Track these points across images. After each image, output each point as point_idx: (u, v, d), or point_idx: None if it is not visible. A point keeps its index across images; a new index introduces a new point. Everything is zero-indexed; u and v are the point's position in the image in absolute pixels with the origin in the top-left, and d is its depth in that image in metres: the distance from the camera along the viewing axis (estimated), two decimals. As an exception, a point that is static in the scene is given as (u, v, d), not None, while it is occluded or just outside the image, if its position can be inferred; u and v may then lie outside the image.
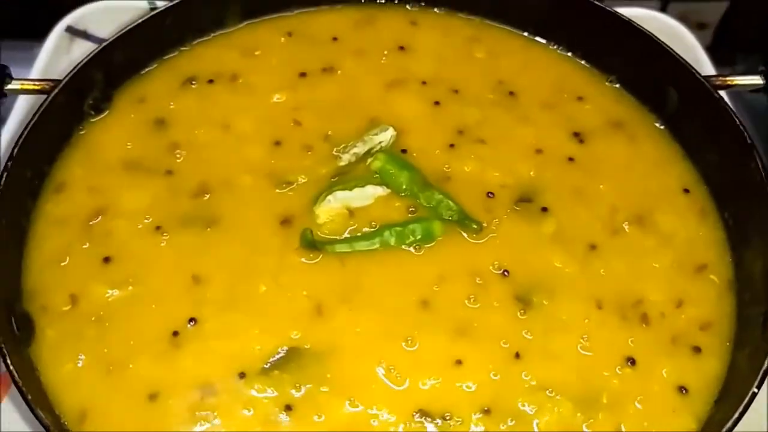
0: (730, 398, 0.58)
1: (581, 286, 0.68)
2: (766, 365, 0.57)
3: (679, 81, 0.77)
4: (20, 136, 0.69)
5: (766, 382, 0.62)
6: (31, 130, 0.70)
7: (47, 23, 1.15)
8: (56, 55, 0.95)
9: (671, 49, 0.77)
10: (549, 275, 0.69)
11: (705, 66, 0.92)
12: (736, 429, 0.60)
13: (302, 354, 0.63)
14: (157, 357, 0.63)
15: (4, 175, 0.67)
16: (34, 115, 0.71)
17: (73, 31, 1.00)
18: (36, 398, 0.56)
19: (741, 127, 0.70)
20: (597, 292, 0.68)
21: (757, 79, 0.73)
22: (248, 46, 0.85)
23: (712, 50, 1.28)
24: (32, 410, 0.55)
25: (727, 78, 0.75)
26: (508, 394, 0.62)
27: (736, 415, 0.54)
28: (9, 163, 0.67)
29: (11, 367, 0.56)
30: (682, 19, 1.26)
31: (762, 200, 0.66)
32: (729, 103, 0.80)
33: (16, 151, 0.68)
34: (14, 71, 0.77)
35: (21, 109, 0.85)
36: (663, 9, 1.22)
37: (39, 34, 1.04)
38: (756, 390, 0.56)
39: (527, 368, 0.63)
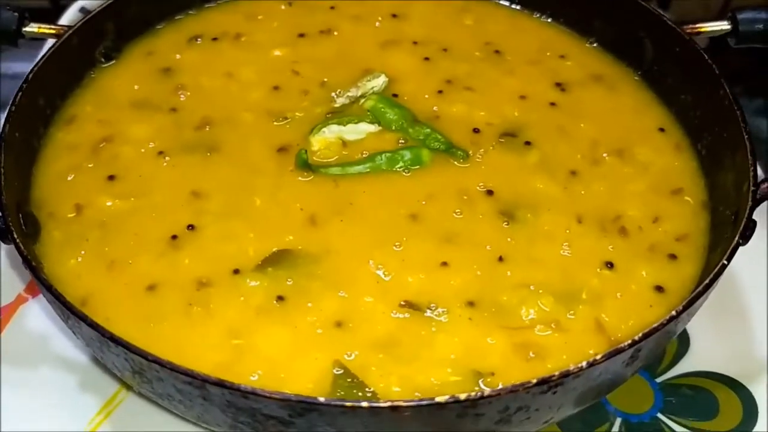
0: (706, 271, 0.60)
1: (563, 203, 0.71)
2: (735, 241, 0.59)
3: (654, 32, 0.82)
4: (35, 65, 0.74)
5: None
6: (45, 62, 0.75)
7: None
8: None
9: (646, 3, 0.83)
10: (532, 195, 0.72)
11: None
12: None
13: (295, 255, 0.66)
14: (156, 256, 0.66)
15: (19, 94, 0.71)
16: (49, 50, 0.76)
17: (86, 12, 1.06)
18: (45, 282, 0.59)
19: (709, 62, 0.75)
20: (578, 208, 0.71)
21: (724, 24, 0.78)
22: (251, 11, 0.91)
23: None
24: (35, 274, 0.57)
25: (697, 25, 0.80)
26: (491, 289, 0.64)
27: (707, 281, 0.57)
28: (24, 85, 0.72)
29: (25, 253, 0.59)
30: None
31: (731, 119, 0.70)
32: None
33: (30, 76, 0.73)
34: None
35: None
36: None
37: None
38: (726, 262, 0.58)
39: (510, 269, 0.66)
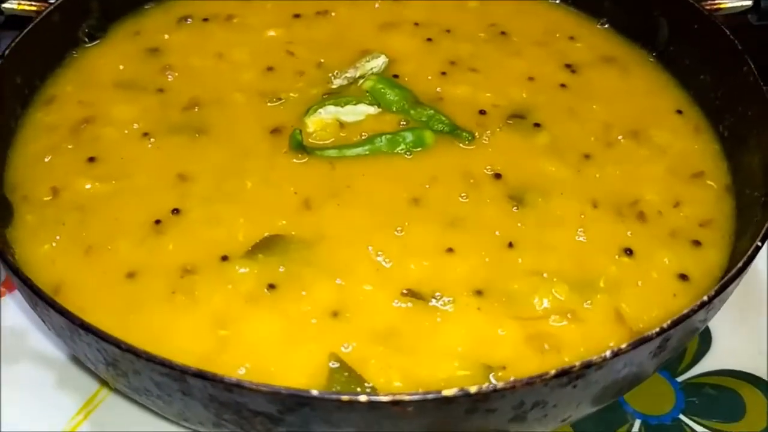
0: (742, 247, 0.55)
1: (576, 187, 0.66)
2: (766, 228, 0.54)
3: (670, 9, 0.77)
4: (12, 42, 0.69)
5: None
6: (23, 39, 0.71)
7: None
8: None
9: (659, -22, 0.78)
10: (542, 178, 0.67)
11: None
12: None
13: (288, 240, 0.61)
14: (137, 241, 0.61)
15: (-6, 70, 0.66)
16: (28, 27, 0.72)
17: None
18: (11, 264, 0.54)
19: (731, 38, 0.70)
20: (592, 192, 0.66)
21: (746, 1, 0.74)
22: (244, -7, 0.87)
23: None
24: (2, 258, 0.52)
25: (717, 1, 0.75)
26: (501, 277, 0.59)
27: (740, 264, 0.52)
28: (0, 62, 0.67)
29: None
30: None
31: (756, 97, 0.66)
32: None
33: (7, 52, 0.68)
34: None
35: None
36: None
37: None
38: (759, 244, 0.53)
39: (521, 255, 0.61)
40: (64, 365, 0.68)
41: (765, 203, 0.59)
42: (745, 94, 0.68)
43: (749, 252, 0.52)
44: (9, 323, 0.71)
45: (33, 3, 0.76)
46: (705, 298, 0.50)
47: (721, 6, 0.76)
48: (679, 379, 0.69)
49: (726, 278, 0.52)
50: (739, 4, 0.75)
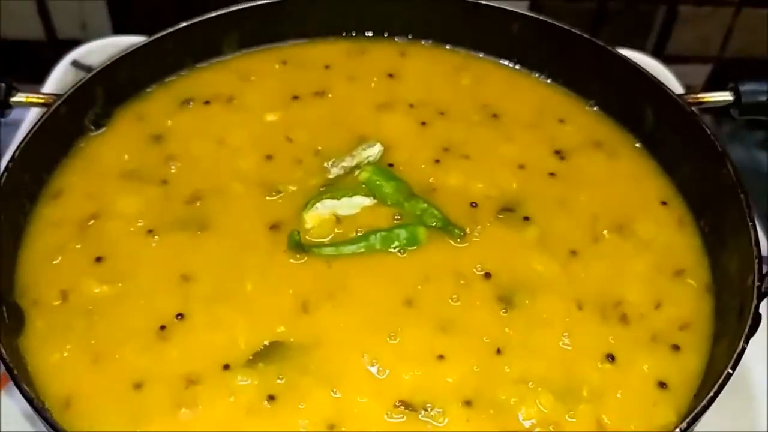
0: (708, 386, 0.58)
1: (562, 287, 0.69)
2: (739, 347, 0.57)
3: (655, 100, 0.80)
4: (22, 141, 0.72)
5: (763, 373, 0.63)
6: (32, 137, 0.73)
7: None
8: (61, 87, 1.00)
9: (646, 71, 0.81)
10: (531, 277, 0.70)
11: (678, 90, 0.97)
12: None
13: (287, 347, 0.64)
14: (143, 348, 0.64)
15: (5, 175, 0.69)
16: (36, 123, 0.74)
17: (78, 65, 1.05)
18: (24, 378, 0.57)
19: (712, 137, 0.73)
20: (578, 293, 0.69)
21: (726, 95, 0.77)
22: (244, 71, 0.89)
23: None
24: (18, 386, 0.56)
25: (699, 95, 0.78)
26: (489, 386, 0.62)
27: (711, 393, 0.55)
28: (9, 164, 0.70)
29: (2, 353, 0.57)
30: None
31: (734, 201, 0.68)
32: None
33: (17, 154, 0.71)
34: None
35: (29, 123, 0.89)
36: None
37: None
38: (731, 370, 0.56)
39: (509, 362, 0.64)
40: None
41: (740, 312, 0.62)
42: (724, 195, 0.71)
43: (720, 380, 0.55)
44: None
45: (41, 96, 0.79)
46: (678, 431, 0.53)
47: (704, 100, 0.78)
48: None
49: (698, 409, 0.55)
50: (720, 98, 0.77)
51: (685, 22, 1.22)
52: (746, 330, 0.59)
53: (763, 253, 0.65)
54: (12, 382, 0.57)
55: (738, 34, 1.23)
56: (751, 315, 0.60)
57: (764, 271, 0.62)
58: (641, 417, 0.61)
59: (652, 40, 1.24)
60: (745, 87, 0.75)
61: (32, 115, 0.90)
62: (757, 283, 0.61)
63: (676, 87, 0.95)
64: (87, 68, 1.05)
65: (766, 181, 1.27)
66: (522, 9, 0.89)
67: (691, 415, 0.54)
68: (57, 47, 1.19)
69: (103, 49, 1.06)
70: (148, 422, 0.60)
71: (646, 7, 1.21)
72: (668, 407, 0.62)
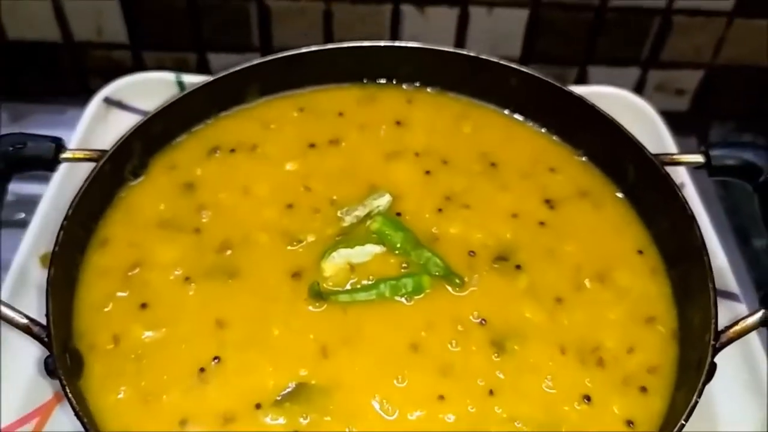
0: (669, 428, 0.69)
1: (548, 334, 0.79)
2: (693, 401, 0.68)
3: (634, 157, 0.89)
4: (74, 199, 0.82)
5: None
6: (83, 194, 0.83)
7: (74, 88, 1.31)
8: (95, 122, 1.10)
9: (627, 130, 0.90)
10: (521, 324, 0.80)
11: (666, 141, 1.06)
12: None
13: (309, 389, 0.74)
14: (186, 390, 0.74)
15: (61, 233, 0.79)
16: (86, 181, 0.84)
17: (109, 101, 1.14)
18: (90, 421, 0.67)
19: (683, 200, 0.82)
20: (561, 339, 0.79)
21: (698, 158, 0.86)
22: (265, 119, 0.98)
23: (690, 115, 1.42)
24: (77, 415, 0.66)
25: (674, 156, 0.87)
26: (482, 425, 0.73)
27: (668, 441, 0.66)
28: (65, 222, 0.80)
29: (70, 395, 0.68)
30: (661, 86, 1.41)
31: (699, 262, 0.78)
32: (689, 179, 0.95)
33: (70, 212, 0.81)
34: (48, 131, 0.88)
35: (61, 172, 0.98)
36: (643, 75, 1.36)
37: (68, 99, 1.19)
38: (684, 422, 0.67)
39: (499, 403, 0.74)
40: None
41: (698, 367, 0.72)
42: (692, 254, 0.80)
43: (675, 429, 0.66)
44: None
45: (86, 152, 0.88)
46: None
47: (679, 160, 0.88)
48: None
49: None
50: (692, 160, 0.87)
51: (678, 31, 1.29)
52: (701, 380, 0.69)
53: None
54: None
55: (730, 42, 1.30)
56: (705, 369, 0.70)
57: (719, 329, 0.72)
58: (611, 453, 0.72)
59: (647, 48, 1.32)
60: (715, 152, 0.84)
61: (61, 171, 0.98)
62: (712, 342, 0.71)
63: (664, 135, 1.04)
64: (118, 103, 1.14)
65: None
66: (518, 66, 0.97)
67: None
68: (73, 50, 1.27)
69: (132, 85, 1.15)
70: (194, 458, 0.71)
71: (642, 17, 1.27)
72: (635, 445, 0.72)
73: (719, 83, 1.39)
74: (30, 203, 1.01)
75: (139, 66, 1.32)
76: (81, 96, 1.13)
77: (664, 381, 0.77)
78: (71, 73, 1.35)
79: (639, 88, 1.37)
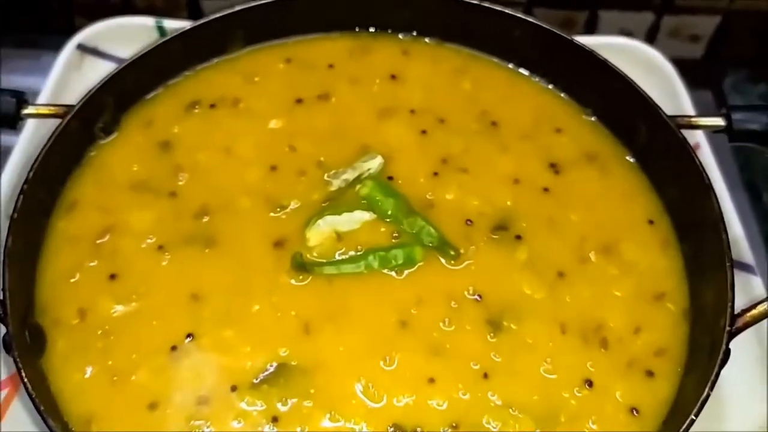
0: (676, 421, 0.64)
1: (548, 311, 0.74)
2: (705, 394, 0.62)
3: (648, 118, 0.82)
4: (35, 161, 0.75)
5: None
6: (46, 153, 0.76)
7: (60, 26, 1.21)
8: (67, 71, 1.01)
9: (640, 88, 0.82)
10: (519, 301, 0.74)
11: (682, 99, 0.98)
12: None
13: (289, 370, 0.69)
14: (156, 369, 0.69)
15: (20, 198, 0.72)
16: (49, 139, 0.77)
17: (83, 48, 1.06)
18: (47, 408, 0.62)
19: (700, 167, 0.76)
20: (562, 317, 0.73)
21: (719, 121, 0.79)
22: (249, 71, 0.91)
23: (704, 62, 1.35)
24: (44, 420, 0.61)
25: (692, 119, 0.80)
26: (475, 411, 0.68)
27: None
28: (25, 186, 0.73)
29: (25, 380, 0.63)
30: (675, 32, 1.33)
31: (716, 236, 0.72)
32: (705, 140, 0.88)
33: (31, 175, 0.74)
34: (22, 80, 0.81)
35: (31, 127, 0.91)
36: (657, 21, 1.28)
37: (46, 41, 1.10)
38: (694, 417, 0.62)
39: (494, 388, 0.69)
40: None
41: (711, 352, 0.67)
42: (706, 227, 0.74)
43: (685, 424, 0.61)
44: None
45: (51, 107, 0.81)
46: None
47: (696, 123, 0.80)
48: None
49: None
50: (712, 123, 0.79)
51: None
52: (714, 371, 0.63)
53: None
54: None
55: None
56: (720, 356, 0.64)
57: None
58: (613, 443, 0.67)
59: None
60: (737, 115, 0.77)
61: (31, 125, 0.91)
62: (728, 327, 0.65)
63: (681, 93, 0.96)
64: (93, 50, 1.06)
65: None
66: (523, 15, 0.89)
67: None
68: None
69: (108, 30, 1.07)
70: (163, 442, 0.66)
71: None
72: (639, 434, 0.67)
73: (735, 29, 1.31)
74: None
75: (128, 7, 1.23)
76: (62, 38, 1.05)
77: (673, 365, 0.72)
78: (58, 9, 1.26)
79: (652, 34, 1.29)
